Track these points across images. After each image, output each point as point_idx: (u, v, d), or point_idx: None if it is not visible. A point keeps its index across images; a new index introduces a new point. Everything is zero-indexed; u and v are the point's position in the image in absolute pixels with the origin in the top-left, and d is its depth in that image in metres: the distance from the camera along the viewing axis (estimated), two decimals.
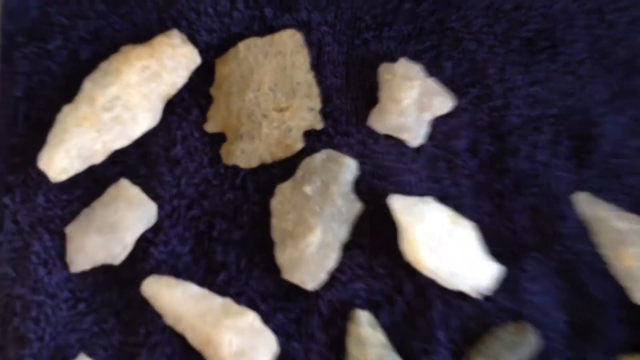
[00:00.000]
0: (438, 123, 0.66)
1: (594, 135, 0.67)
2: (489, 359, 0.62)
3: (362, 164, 0.66)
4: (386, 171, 0.66)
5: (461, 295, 0.63)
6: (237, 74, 0.67)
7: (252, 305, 0.63)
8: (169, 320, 0.63)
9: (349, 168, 0.65)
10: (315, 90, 0.67)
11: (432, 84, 0.66)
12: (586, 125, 0.67)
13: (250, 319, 0.62)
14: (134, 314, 0.64)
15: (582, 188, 0.65)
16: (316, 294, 0.63)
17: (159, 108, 0.66)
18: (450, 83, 0.67)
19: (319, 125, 0.66)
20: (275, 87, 0.67)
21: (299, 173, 0.65)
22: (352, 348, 0.62)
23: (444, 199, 0.65)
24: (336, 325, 0.64)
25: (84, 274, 0.65)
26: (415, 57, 0.67)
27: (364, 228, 0.64)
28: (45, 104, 0.68)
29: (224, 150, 0.66)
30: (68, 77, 0.68)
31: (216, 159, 0.67)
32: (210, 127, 0.68)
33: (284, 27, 0.68)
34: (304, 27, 0.69)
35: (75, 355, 0.63)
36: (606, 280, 0.64)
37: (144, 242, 0.65)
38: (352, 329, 0.63)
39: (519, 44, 0.68)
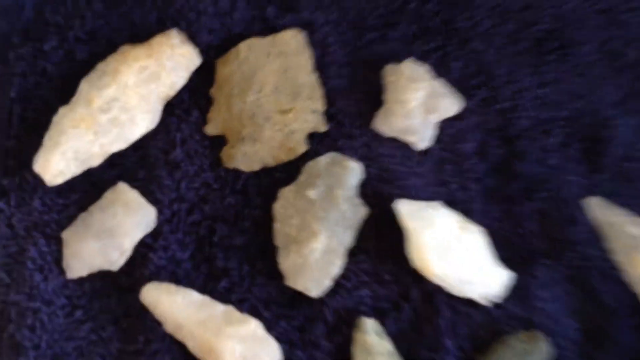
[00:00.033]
0: (445, 125, 0.65)
1: (605, 138, 0.66)
2: None
3: (367, 167, 0.64)
4: (392, 175, 0.65)
5: (470, 303, 0.61)
6: (238, 75, 0.66)
7: (254, 312, 0.62)
8: (169, 328, 0.61)
9: (353, 172, 0.64)
10: (318, 92, 0.66)
11: (439, 85, 0.65)
12: (597, 128, 0.66)
13: (253, 326, 0.61)
14: (132, 321, 0.63)
15: (593, 192, 0.64)
16: (320, 301, 0.62)
17: (158, 110, 0.65)
18: (458, 84, 0.65)
19: (322, 127, 0.65)
20: (277, 88, 0.66)
21: (303, 177, 0.63)
22: (358, 356, 0.61)
23: (451, 203, 0.64)
24: (341, 333, 0.62)
25: (81, 280, 0.63)
26: (421, 58, 0.66)
27: (369, 233, 0.63)
28: (41, 105, 0.67)
29: (224, 153, 0.65)
30: (64, 78, 0.67)
31: (217, 162, 0.65)
32: (211, 129, 0.66)
33: (286, 27, 0.67)
34: (307, 27, 0.67)
35: None
36: (618, 287, 0.62)
37: (143, 247, 0.64)
38: (357, 336, 0.62)
39: (528, 44, 0.67)
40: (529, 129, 0.66)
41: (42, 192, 0.66)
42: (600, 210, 0.65)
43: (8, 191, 0.66)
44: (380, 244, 0.64)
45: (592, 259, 0.64)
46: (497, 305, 0.62)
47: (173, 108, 0.67)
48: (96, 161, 0.65)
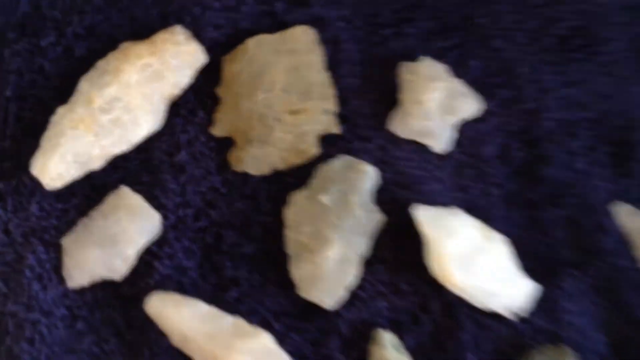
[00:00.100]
0: (465, 127, 0.63)
1: (634, 141, 0.63)
2: None
3: (382, 171, 0.62)
4: (409, 179, 0.63)
5: (493, 316, 0.59)
6: (246, 74, 0.64)
7: (265, 324, 0.59)
8: (175, 341, 0.60)
9: (368, 176, 0.62)
10: (330, 92, 0.64)
11: (458, 84, 0.63)
12: (626, 130, 0.64)
13: (264, 340, 0.59)
14: (136, 333, 0.61)
15: (622, 198, 0.62)
16: (335, 312, 0.60)
17: (162, 110, 0.63)
18: (478, 84, 0.63)
19: (335, 129, 0.63)
20: (287, 88, 0.64)
21: (315, 181, 0.62)
22: None
23: (472, 209, 0.62)
24: (357, 347, 0.60)
25: (82, 290, 0.61)
26: (439, 55, 0.64)
27: (386, 241, 0.61)
28: (38, 104, 0.65)
29: (232, 156, 0.64)
30: (62, 76, 0.65)
31: (224, 165, 0.63)
32: (218, 130, 0.65)
33: (296, 23, 0.65)
34: (318, 23, 0.65)
35: None
36: None
37: (147, 255, 0.62)
38: (374, 351, 0.60)
39: (553, 41, 0.65)
40: (553, 131, 0.64)
41: (40, 197, 0.64)
42: (629, 217, 0.62)
43: (4, 195, 0.64)
44: (397, 253, 0.62)
45: (622, 269, 0.62)
46: (522, 319, 0.60)
47: (178, 108, 0.65)
48: (97, 164, 0.63)
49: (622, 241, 0.62)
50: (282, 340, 0.61)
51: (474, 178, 0.64)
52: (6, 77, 0.66)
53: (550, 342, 0.61)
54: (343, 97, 0.65)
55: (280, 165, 0.64)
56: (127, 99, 0.62)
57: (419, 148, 0.64)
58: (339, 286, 0.61)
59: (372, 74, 0.66)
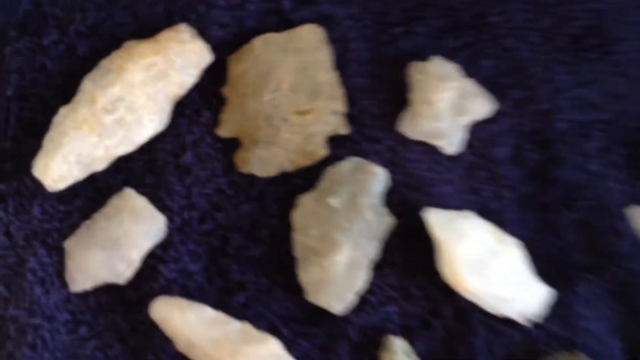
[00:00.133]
0: (476, 128, 0.62)
1: None
2: None
3: (392, 173, 0.61)
4: (419, 181, 0.62)
5: (507, 321, 0.58)
6: (252, 73, 0.63)
7: (272, 330, 0.59)
8: (181, 346, 0.59)
9: (378, 178, 0.61)
10: (338, 92, 0.63)
11: (469, 84, 0.62)
12: None
13: (271, 346, 0.58)
14: (141, 339, 0.60)
15: (637, 201, 0.61)
16: (344, 318, 0.59)
17: (167, 110, 0.63)
18: (489, 84, 0.62)
19: (343, 130, 0.62)
20: (294, 87, 0.63)
21: (323, 183, 0.61)
22: None
23: (484, 212, 0.61)
24: (367, 353, 0.59)
25: (85, 294, 0.61)
26: (450, 55, 0.63)
27: (396, 245, 0.60)
28: (40, 104, 0.64)
29: (239, 157, 0.63)
30: (65, 75, 0.64)
31: (230, 166, 0.62)
32: (224, 131, 0.64)
33: (303, 21, 0.64)
34: (326, 21, 0.64)
35: None
36: None
37: (152, 259, 0.61)
38: (384, 357, 0.59)
39: (566, 41, 0.64)
40: (567, 132, 0.63)
41: (42, 199, 0.63)
42: None
43: (5, 197, 0.63)
44: (408, 257, 0.61)
45: (637, 274, 0.61)
46: (536, 324, 0.59)
47: (183, 108, 0.64)
48: (100, 165, 0.62)
49: (637, 245, 0.61)
50: (290, 346, 0.60)
51: (485, 180, 0.63)
52: (7, 77, 0.65)
53: (564, 348, 0.60)
54: (351, 97, 0.64)
55: (288, 166, 0.63)
56: (131, 98, 0.61)
57: (429, 149, 0.63)
58: (348, 291, 0.60)
59: (381, 74, 0.64)
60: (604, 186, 0.63)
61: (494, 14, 0.65)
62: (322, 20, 0.65)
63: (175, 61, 0.62)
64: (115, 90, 0.61)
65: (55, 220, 0.63)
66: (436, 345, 0.60)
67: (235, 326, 0.59)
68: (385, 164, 0.62)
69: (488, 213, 0.61)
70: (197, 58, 0.63)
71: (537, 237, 0.62)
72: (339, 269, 0.59)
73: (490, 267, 0.58)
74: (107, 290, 0.62)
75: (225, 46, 0.65)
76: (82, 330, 0.62)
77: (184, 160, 0.64)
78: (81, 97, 0.61)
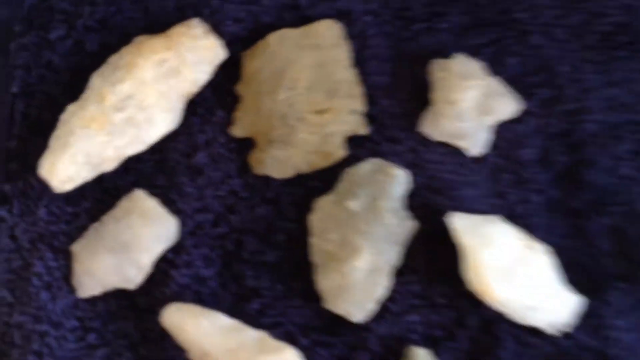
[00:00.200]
0: (502, 129, 0.60)
1: None
2: None
3: (413, 175, 0.60)
4: (442, 184, 0.61)
5: (535, 332, 0.57)
6: (267, 71, 0.62)
7: (289, 339, 0.57)
8: (194, 355, 0.57)
9: (399, 180, 0.59)
10: (357, 90, 0.61)
11: (495, 83, 0.61)
12: None
13: (289, 355, 0.56)
14: (152, 347, 0.59)
15: None
16: (364, 327, 0.58)
17: (179, 108, 0.61)
18: (515, 83, 0.61)
19: (362, 130, 0.61)
20: (311, 85, 0.61)
21: (342, 185, 0.60)
22: None
23: (510, 217, 0.59)
24: None
25: (93, 300, 0.60)
26: (473, 52, 0.62)
27: (418, 250, 0.59)
28: (47, 101, 0.64)
29: (253, 158, 0.62)
30: (72, 72, 0.64)
31: (245, 167, 0.61)
32: (238, 130, 0.62)
33: (321, 16, 0.63)
34: (344, 16, 0.63)
35: None
36: None
37: (164, 263, 0.60)
38: None
39: (595, 38, 0.62)
40: (597, 134, 0.62)
41: (48, 200, 0.62)
42: None
43: (10, 198, 0.62)
44: (431, 263, 0.59)
45: None
46: (566, 335, 0.58)
47: (195, 107, 0.63)
48: (110, 165, 0.61)
49: None
50: (308, 355, 0.58)
51: (512, 183, 0.61)
52: (13, 73, 0.65)
53: None
54: (371, 96, 0.62)
55: (305, 168, 0.61)
56: (142, 96, 0.60)
57: (453, 151, 0.61)
58: (368, 298, 0.58)
59: (402, 72, 0.63)
60: (636, 190, 0.61)
61: (520, 10, 0.64)
62: (340, 15, 0.64)
63: (187, 57, 0.61)
64: (125, 88, 0.60)
65: (62, 223, 0.62)
66: (461, 357, 0.59)
67: (251, 335, 0.57)
68: (406, 165, 0.61)
69: (514, 218, 0.60)
70: (210, 54, 0.62)
71: (567, 244, 0.60)
72: (359, 275, 0.58)
73: (518, 274, 0.56)
74: (117, 296, 0.61)
75: (240, 42, 0.64)
76: (91, 337, 0.61)
77: (196, 160, 0.63)
78: (89, 94, 0.60)
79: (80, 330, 0.61)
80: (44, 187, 0.61)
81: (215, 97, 0.63)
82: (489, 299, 0.57)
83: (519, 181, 0.61)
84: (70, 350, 0.60)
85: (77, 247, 0.61)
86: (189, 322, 0.58)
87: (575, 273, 0.59)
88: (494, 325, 0.58)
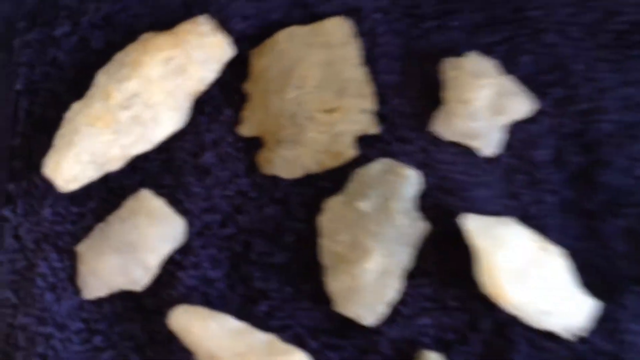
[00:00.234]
0: (515, 129, 0.60)
1: None
2: None
3: (425, 176, 0.59)
4: (454, 185, 0.60)
5: (550, 336, 0.56)
6: (275, 69, 0.61)
7: (298, 342, 0.57)
8: (202, 358, 0.56)
9: (410, 180, 0.58)
10: (367, 89, 0.61)
11: (507, 82, 0.60)
12: None
13: (298, 359, 0.56)
14: (159, 350, 0.59)
15: None
16: (375, 330, 0.57)
17: (185, 107, 0.61)
18: (529, 82, 0.60)
19: (373, 129, 0.60)
20: (320, 84, 0.61)
21: (352, 186, 0.59)
22: None
23: (524, 218, 0.58)
24: None
25: (99, 302, 0.60)
26: (486, 50, 0.61)
27: (430, 252, 0.58)
28: (51, 99, 0.63)
29: (261, 158, 0.61)
30: (77, 69, 0.64)
31: (253, 167, 0.61)
32: (246, 129, 0.62)
33: (330, 14, 0.63)
34: (354, 14, 0.62)
35: None
36: None
37: (171, 264, 0.60)
38: None
39: (610, 37, 0.62)
40: (612, 133, 0.61)
41: (53, 200, 0.62)
42: None
43: (14, 197, 0.62)
44: (443, 265, 0.59)
45: None
46: (581, 339, 0.57)
47: (202, 105, 0.62)
48: (115, 165, 0.60)
49: None
50: (318, 359, 0.58)
51: (525, 184, 0.61)
52: (16, 70, 0.64)
53: None
54: (381, 95, 0.62)
55: (314, 168, 0.61)
56: (148, 94, 0.59)
57: (465, 151, 0.61)
58: (379, 301, 0.57)
59: (412, 70, 0.62)
60: None
61: (533, 8, 0.63)
62: (349, 12, 0.63)
63: (194, 55, 0.60)
64: (131, 86, 0.59)
65: (67, 223, 0.62)
66: None
67: (260, 338, 0.57)
68: (417, 165, 0.60)
69: (528, 219, 0.59)
70: (218, 52, 0.61)
71: (581, 246, 0.59)
72: (370, 277, 0.57)
73: (532, 277, 0.55)
74: (123, 298, 0.60)
75: (248, 40, 0.64)
76: (96, 340, 0.60)
77: (203, 160, 0.62)
78: (95, 92, 0.60)
79: (86, 333, 0.60)
80: (48, 186, 0.61)
81: (223, 95, 0.63)
82: (502, 301, 0.56)
83: (533, 182, 0.61)
84: (76, 353, 0.60)
85: (82, 248, 0.60)
86: (196, 325, 0.57)
87: (590, 276, 0.58)
88: (507, 329, 0.58)
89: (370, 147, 0.61)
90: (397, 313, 0.58)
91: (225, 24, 0.63)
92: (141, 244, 0.59)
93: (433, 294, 0.59)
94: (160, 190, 0.61)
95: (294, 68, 0.61)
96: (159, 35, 0.61)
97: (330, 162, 0.60)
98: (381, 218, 0.58)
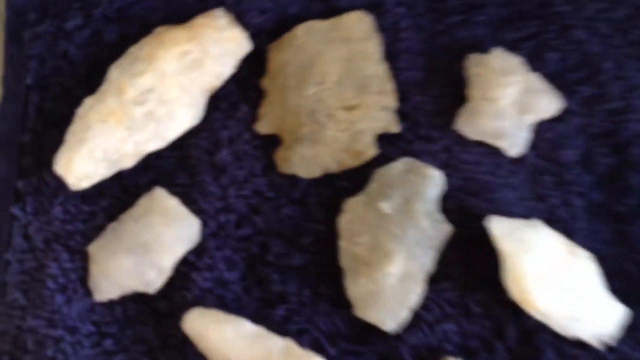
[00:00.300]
0: (542, 128, 0.59)
1: None
2: None
3: (448, 176, 0.58)
4: (478, 186, 0.59)
5: (578, 344, 0.55)
6: (294, 64, 0.61)
7: (317, 347, 0.56)
8: None
9: (434, 181, 0.57)
10: (389, 86, 0.60)
11: (535, 80, 0.59)
12: None
13: None
14: (172, 354, 0.58)
15: None
16: (396, 336, 0.56)
17: (201, 103, 0.60)
18: (556, 79, 0.59)
19: (394, 127, 0.59)
20: (341, 80, 0.60)
21: (373, 186, 0.58)
22: None
23: (550, 221, 0.57)
24: None
25: (111, 304, 0.59)
26: (512, 47, 0.60)
27: (454, 256, 0.57)
28: (63, 94, 0.62)
29: (279, 156, 0.60)
30: (90, 63, 0.63)
31: (270, 166, 0.60)
32: (263, 127, 0.61)
33: (350, 8, 0.62)
34: (376, 8, 0.62)
35: None
36: None
37: (185, 266, 0.59)
38: None
39: None
40: None
41: (64, 198, 0.61)
42: None
43: (24, 195, 0.61)
44: (467, 270, 0.57)
45: None
46: (609, 348, 0.55)
47: (218, 102, 0.61)
48: (128, 162, 0.59)
49: None
50: None
51: (552, 186, 0.59)
52: (26, 63, 0.63)
53: None
54: (403, 92, 0.61)
55: (333, 167, 0.59)
56: (163, 89, 0.58)
57: (490, 151, 0.59)
58: (401, 306, 0.56)
59: (436, 67, 0.62)
60: None
61: (561, 3, 0.62)
62: (371, 6, 0.62)
63: (210, 50, 0.59)
64: (146, 80, 0.58)
65: (78, 222, 0.61)
66: None
67: (277, 343, 0.55)
68: (440, 166, 0.59)
69: (555, 222, 0.58)
70: (235, 47, 0.60)
71: (610, 250, 0.58)
72: (391, 281, 0.56)
73: (561, 282, 0.54)
74: (135, 300, 0.59)
75: (265, 34, 0.63)
76: (108, 343, 0.59)
77: (219, 158, 0.61)
78: (108, 87, 0.59)
79: (97, 336, 0.59)
80: (59, 184, 0.60)
81: (240, 91, 0.62)
82: (529, 308, 0.54)
83: (560, 184, 0.59)
84: (86, 357, 0.59)
85: (94, 248, 0.59)
86: (211, 328, 0.56)
87: (619, 282, 0.57)
88: (534, 336, 0.56)
89: (391, 146, 0.60)
90: (419, 319, 0.57)
91: (241, 17, 0.62)
92: (155, 244, 0.58)
93: (456, 299, 0.57)
94: (175, 188, 0.60)
95: (313, 64, 0.60)
96: (174, 28, 0.60)
97: (350, 161, 0.59)
98: (403, 220, 0.56)
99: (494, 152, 0.59)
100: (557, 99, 0.59)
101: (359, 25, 0.61)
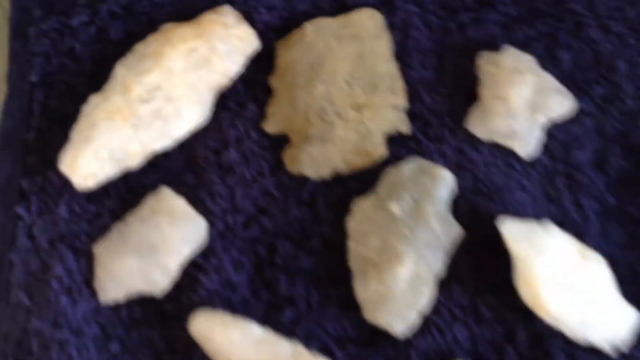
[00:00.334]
0: (555, 129, 0.59)
1: None
2: None
3: (459, 177, 0.58)
4: (490, 187, 0.58)
5: (590, 349, 0.54)
6: (303, 62, 0.60)
7: (325, 351, 0.55)
8: None
9: (444, 182, 0.57)
10: (399, 85, 0.59)
11: (548, 79, 0.59)
12: None
13: None
14: (178, 357, 0.57)
15: None
16: (406, 340, 0.55)
17: (209, 101, 0.59)
18: (569, 79, 0.59)
19: (404, 127, 0.59)
20: (350, 79, 0.59)
21: (383, 187, 0.57)
22: None
23: (563, 224, 0.56)
24: None
25: (116, 306, 0.58)
26: (524, 45, 0.60)
27: (464, 258, 0.56)
28: (68, 92, 0.62)
29: (287, 156, 0.59)
30: (96, 60, 0.63)
31: (278, 166, 0.60)
32: (271, 126, 0.60)
33: (360, 5, 0.62)
34: (386, 5, 0.62)
35: None
36: None
37: (192, 267, 0.58)
38: None
39: None
40: None
41: (69, 197, 0.60)
42: None
43: (28, 195, 0.60)
44: (478, 273, 0.57)
45: None
46: (623, 354, 0.55)
47: (226, 100, 0.61)
48: (135, 161, 0.58)
49: None
50: None
51: (565, 188, 0.59)
52: (31, 60, 0.63)
53: None
54: (414, 91, 0.60)
55: (342, 167, 0.59)
56: (170, 87, 0.58)
57: (502, 152, 0.59)
58: (411, 309, 0.55)
59: (447, 65, 0.61)
60: None
61: (574, 1, 0.62)
62: (381, 4, 0.62)
63: (218, 47, 0.59)
64: (152, 78, 0.58)
65: (83, 222, 0.60)
66: None
67: (285, 346, 0.55)
68: (451, 166, 0.58)
69: (568, 225, 0.57)
70: (243, 44, 0.60)
71: (624, 254, 0.57)
72: (401, 284, 0.55)
73: (573, 286, 0.53)
74: (141, 302, 0.58)
75: (274, 31, 0.63)
76: (113, 346, 0.58)
77: (226, 157, 0.60)
78: (113, 84, 0.58)
79: (102, 338, 0.58)
80: (64, 183, 0.59)
81: (247, 90, 0.61)
82: (541, 312, 0.54)
83: (573, 186, 0.59)
84: None
85: (99, 249, 0.58)
86: (218, 331, 0.55)
87: (633, 286, 0.56)
88: (546, 341, 0.56)
89: (401, 147, 0.59)
90: (429, 323, 0.56)
91: (250, 14, 0.62)
92: (161, 245, 0.57)
93: (467, 303, 0.57)
94: (181, 188, 0.59)
95: (322, 62, 0.60)
96: (180, 25, 0.60)
97: (360, 162, 0.59)
98: (413, 221, 0.56)
99: (505, 153, 0.59)
100: (570, 99, 0.58)
101: (369, 22, 0.61)
